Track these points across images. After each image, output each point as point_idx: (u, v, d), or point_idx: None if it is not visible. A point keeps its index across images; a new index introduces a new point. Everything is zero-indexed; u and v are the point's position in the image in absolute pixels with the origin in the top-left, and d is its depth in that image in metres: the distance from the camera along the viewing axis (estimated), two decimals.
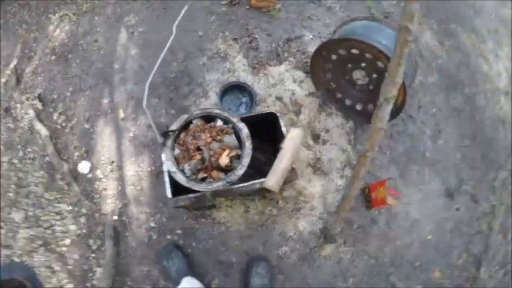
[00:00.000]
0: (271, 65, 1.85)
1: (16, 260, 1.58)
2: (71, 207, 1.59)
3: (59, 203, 1.61)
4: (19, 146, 1.75)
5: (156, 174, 1.60)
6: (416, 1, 0.81)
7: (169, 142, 1.21)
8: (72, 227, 1.56)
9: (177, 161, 1.20)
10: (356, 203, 1.62)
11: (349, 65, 1.61)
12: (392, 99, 0.98)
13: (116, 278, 1.46)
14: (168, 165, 1.17)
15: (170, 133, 1.22)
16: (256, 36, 1.90)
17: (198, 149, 1.22)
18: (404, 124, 1.83)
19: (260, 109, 1.72)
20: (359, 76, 1.68)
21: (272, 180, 1.20)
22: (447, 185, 1.76)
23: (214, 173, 1.21)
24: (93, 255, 1.51)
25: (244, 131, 1.24)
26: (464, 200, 1.76)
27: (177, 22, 1.32)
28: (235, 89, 1.75)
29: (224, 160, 1.20)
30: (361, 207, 1.62)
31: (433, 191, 1.73)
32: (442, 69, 2.08)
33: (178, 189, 1.21)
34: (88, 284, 1.48)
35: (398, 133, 1.80)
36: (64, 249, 1.54)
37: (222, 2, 2.00)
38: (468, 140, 1.92)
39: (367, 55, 1.46)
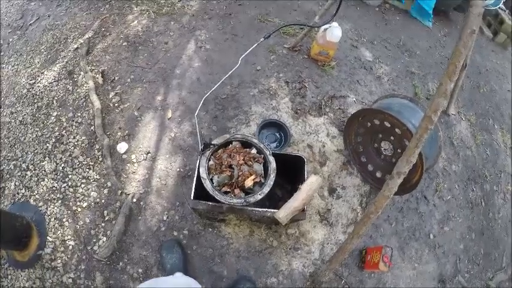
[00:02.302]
0: (311, 115, 2.09)
1: (32, 202, 1.79)
2: (98, 177, 1.81)
3: (89, 169, 1.85)
4: (71, 108, 2.03)
5: (183, 176, 1.81)
6: (443, 98, 1.04)
7: (207, 152, 1.46)
8: (94, 194, 1.78)
9: (209, 170, 1.44)
10: (351, 261, 1.76)
11: (380, 135, 1.83)
12: (404, 174, 1.19)
13: (115, 251, 1.63)
14: (201, 171, 1.41)
15: (211, 145, 1.47)
16: (306, 85, 2.16)
17: (230, 166, 1.45)
18: (417, 203, 1.99)
19: (291, 150, 1.92)
20: (386, 147, 1.88)
21: (282, 213, 1.39)
22: (442, 271, 1.88)
23: (237, 191, 1.43)
24: (103, 224, 1.70)
25: (273, 165, 1.48)
26: None
27: (244, 54, 1.60)
28: (273, 126, 1.98)
29: (249, 182, 1.42)
30: (354, 266, 1.76)
31: (427, 273, 1.85)
32: (468, 160, 2.24)
33: (201, 194, 1.43)
34: (89, 248, 1.65)
35: (408, 209, 1.96)
36: (79, 209, 1.74)
37: (285, 46, 2.29)
38: (475, 234, 2.05)
39: (397, 130, 1.68)
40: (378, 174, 1.90)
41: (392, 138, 1.78)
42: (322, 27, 2.12)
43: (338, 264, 1.57)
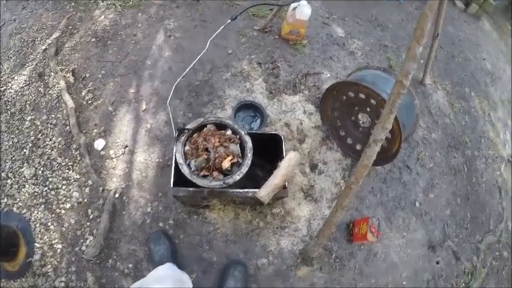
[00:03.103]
0: (286, 94, 2.10)
1: (15, 210, 1.76)
2: (78, 176, 1.80)
3: (68, 169, 1.82)
4: (44, 110, 2.00)
5: (163, 166, 1.81)
6: (413, 62, 1.05)
7: (182, 138, 1.46)
8: (76, 194, 1.76)
9: (185, 156, 1.44)
10: (339, 235, 1.79)
11: (356, 108, 1.85)
12: (381, 141, 1.21)
13: (103, 249, 1.63)
14: (177, 157, 1.41)
15: (185, 130, 1.47)
16: (279, 65, 2.17)
17: (206, 150, 1.45)
18: (400, 173, 2.02)
19: (268, 130, 1.93)
20: (363, 119, 1.91)
21: (263, 192, 1.40)
22: (431, 237, 1.92)
23: (215, 174, 1.43)
24: (88, 223, 1.69)
25: (249, 144, 1.48)
26: (446, 255, 1.92)
27: (211, 38, 1.60)
28: (249, 108, 1.99)
29: (226, 164, 1.42)
30: (343, 240, 1.78)
31: (416, 240, 1.89)
32: (448, 128, 2.29)
33: (180, 181, 1.43)
34: (77, 249, 1.64)
35: (392, 179, 1.99)
36: (63, 211, 1.72)
37: (255, 27, 2.29)
38: (460, 199, 2.10)
39: (372, 101, 1.70)
40: (358, 147, 1.92)
41: (368, 109, 1.80)
42: (291, 6, 2.11)
43: (326, 238, 1.58)
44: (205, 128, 1.52)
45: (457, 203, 2.09)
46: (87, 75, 2.08)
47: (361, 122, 1.91)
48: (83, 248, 1.65)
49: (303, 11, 2.09)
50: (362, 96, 1.74)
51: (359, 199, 1.90)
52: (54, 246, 1.66)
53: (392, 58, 2.45)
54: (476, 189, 2.20)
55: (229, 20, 1.67)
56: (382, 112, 1.70)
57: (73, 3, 2.41)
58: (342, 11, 2.76)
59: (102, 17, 2.31)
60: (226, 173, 1.45)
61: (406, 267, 1.82)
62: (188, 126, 1.49)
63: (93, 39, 2.21)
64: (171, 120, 1.44)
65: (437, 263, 1.89)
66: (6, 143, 1.96)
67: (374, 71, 1.89)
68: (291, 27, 2.20)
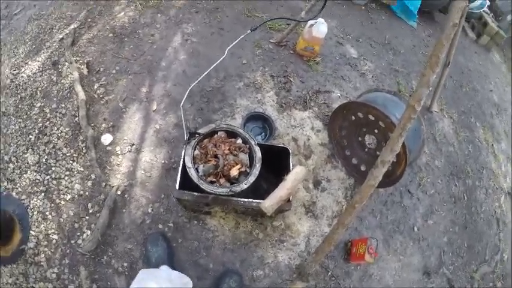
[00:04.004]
0: (296, 109, 2.13)
1: (14, 195, 1.75)
2: (82, 169, 1.79)
3: (73, 161, 1.82)
4: (55, 99, 2.00)
5: (168, 168, 1.81)
6: (425, 88, 1.07)
7: (193, 142, 1.47)
8: (77, 186, 1.75)
9: (194, 160, 1.45)
10: (337, 253, 1.79)
11: (364, 129, 1.87)
12: (388, 163, 1.22)
13: (100, 245, 1.62)
14: (186, 160, 1.42)
15: (196, 135, 1.48)
16: (292, 79, 2.20)
17: (215, 156, 1.46)
18: (401, 196, 2.04)
19: (275, 143, 1.93)
20: (370, 140, 1.92)
21: (268, 202, 1.40)
22: (427, 263, 1.92)
23: (222, 181, 1.44)
24: (87, 217, 1.68)
25: (258, 154, 1.49)
26: (440, 282, 1.92)
27: (230, 46, 1.61)
28: (259, 119, 2.00)
29: (234, 172, 1.43)
30: (340, 259, 1.78)
31: (411, 265, 1.89)
32: (451, 156, 2.31)
33: (185, 185, 1.43)
34: (72, 241, 1.63)
35: (392, 202, 2.00)
36: (63, 202, 1.71)
37: (271, 40, 2.33)
38: (458, 227, 2.11)
39: (381, 123, 1.72)
40: (363, 168, 1.94)
41: (376, 131, 1.82)
42: (309, 23, 2.15)
43: (324, 255, 1.59)
44: (216, 135, 1.53)
45: (455, 231, 2.10)
46: (101, 69, 2.09)
47: (367, 143, 1.93)
48: (79, 241, 1.64)
49: (320, 28, 2.14)
50: (371, 117, 1.76)
51: (359, 219, 1.91)
52: (50, 236, 1.65)
53: (402, 83, 2.49)
54: (475, 219, 2.21)
55: (249, 31, 1.69)
56: (390, 135, 1.73)
57: None
58: (357, 32, 2.81)
59: (122, 13, 2.33)
60: (232, 181, 1.46)
61: None
62: (200, 131, 1.50)
63: (111, 35, 2.23)
64: (183, 123, 1.45)
65: None
66: (13, 126, 1.96)
67: (385, 94, 1.92)
68: (306, 43, 2.23)
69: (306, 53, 2.30)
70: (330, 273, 1.74)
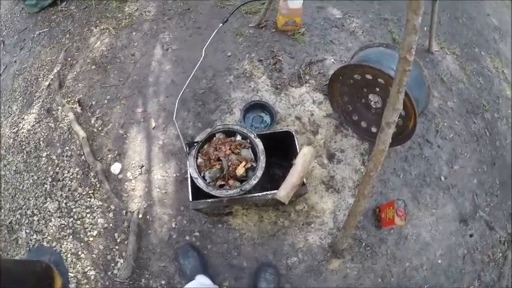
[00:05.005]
0: (292, 87, 2.08)
1: (46, 245, 1.84)
2: (100, 203, 1.85)
3: (90, 198, 1.88)
4: (58, 144, 2.06)
5: (181, 180, 1.83)
6: (413, 34, 1.01)
7: (193, 151, 1.47)
8: (101, 220, 1.82)
9: (199, 168, 1.45)
10: (367, 222, 1.77)
11: (365, 89, 1.81)
12: (393, 123, 1.17)
13: (135, 270, 1.68)
14: (191, 171, 1.43)
15: (195, 144, 1.48)
16: (281, 58, 2.15)
17: (218, 159, 1.45)
18: (421, 148, 1.97)
19: (280, 127, 1.92)
20: (374, 100, 1.86)
21: (282, 192, 1.40)
22: (461, 210, 1.87)
23: (231, 182, 1.43)
24: (117, 247, 1.75)
25: (260, 146, 1.48)
26: (479, 227, 1.87)
27: (206, 45, 1.59)
28: (257, 108, 1.98)
29: (240, 171, 1.42)
30: (371, 227, 1.77)
31: (446, 216, 1.85)
32: (463, 93, 2.21)
33: (199, 194, 1.45)
34: (109, 273, 1.70)
35: (413, 157, 1.95)
36: (91, 239, 1.78)
37: (250, 25, 2.27)
38: (486, 166, 2.03)
39: (380, 80, 1.66)
40: (373, 129, 1.89)
41: (377, 89, 1.76)
42: None
43: (353, 228, 1.57)
44: (214, 138, 1.52)
45: (484, 170, 2.02)
46: (93, 102, 2.12)
47: (372, 102, 1.87)
48: (115, 271, 1.70)
49: None
50: (369, 77, 1.70)
51: (382, 182, 1.87)
52: (87, 273, 1.72)
53: (394, 31, 2.38)
54: (502, 153, 2.12)
55: (221, 24, 1.66)
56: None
57: (68, 35, 2.46)
58: None
59: (98, 43, 2.35)
60: (242, 179, 1.46)
61: (439, 245, 1.79)
62: (197, 139, 1.50)
63: (94, 67, 2.25)
64: (180, 136, 1.46)
65: (471, 236, 1.85)
66: (27, 181, 2.03)
67: (377, 49, 1.84)
68: (285, 18, 2.16)
69: (288, 27, 2.24)
70: (364, 243, 1.73)
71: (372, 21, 2.43)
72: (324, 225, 1.76)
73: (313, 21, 2.35)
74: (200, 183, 1.40)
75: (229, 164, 1.43)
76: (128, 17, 2.42)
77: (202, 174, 1.44)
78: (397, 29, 2.39)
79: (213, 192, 1.38)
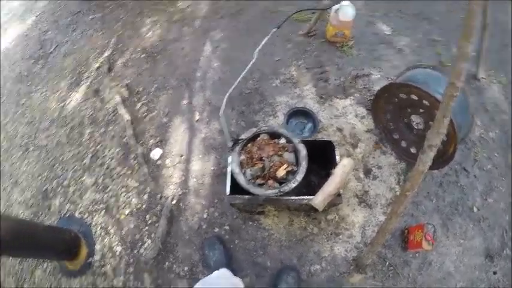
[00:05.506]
0: (337, 98, 2.12)
1: (77, 215, 1.95)
2: (137, 184, 1.94)
3: (128, 178, 1.98)
4: (102, 124, 2.17)
5: (218, 174, 1.89)
6: (464, 61, 1.03)
7: (237, 148, 1.53)
8: (134, 201, 1.90)
9: (241, 165, 1.51)
10: (393, 242, 1.77)
11: (409, 109, 1.83)
12: (436, 146, 1.20)
13: (161, 252, 1.74)
14: (233, 167, 1.49)
15: (239, 141, 1.54)
16: (327, 68, 2.19)
17: (261, 159, 1.52)
18: (457, 176, 1.96)
19: (321, 136, 1.96)
20: (417, 121, 1.87)
21: (318, 199, 1.44)
22: (489, 245, 1.83)
23: (270, 182, 1.49)
24: (146, 228, 1.82)
25: (303, 152, 1.53)
26: (504, 265, 1.81)
27: (259, 48, 1.65)
28: (301, 114, 2.02)
29: (281, 172, 1.48)
30: (397, 247, 1.76)
31: (473, 248, 1.81)
32: (505, 125, 2.16)
33: (236, 189, 1.51)
34: (135, 251, 1.78)
35: (448, 183, 1.93)
36: (122, 217, 1.87)
37: (300, 32, 2.33)
38: None
39: (425, 102, 1.67)
40: (413, 150, 1.90)
41: (421, 111, 1.77)
42: (333, 8, 2.13)
43: (380, 246, 1.58)
44: (258, 138, 1.59)
45: None
46: (141, 89, 2.22)
47: (414, 124, 1.88)
48: (141, 250, 1.78)
49: (346, 12, 2.10)
50: (414, 97, 1.72)
51: (414, 204, 1.87)
52: (114, 248, 1.81)
53: (442, 53, 2.38)
54: None
55: (274, 29, 1.71)
56: (436, 114, 1.69)
57: (120, 23, 2.58)
58: (385, 6, 2.72)
59: (150, 33, 2.46)
60: (281, 181, 1.51)
61: (461, 277, 1.75)
62: (242, 137, 1.57)
63: (144, 55, 2.35)
64: (225, 132, 1.51)
65: (495, 273, 1.79)
66: (68, 154, 2.15)
67: (424, 70, 1.85)
68: (335, 29, 2.21)
69: (337, 39, 2.28)
70: (387, 263, 1.73)
71: (420, 41, 2.44)
72: (352, 238, 1.77)
73: (362, 35, 2.38)
74: (241, 179, 1.46)
75: (271, 165, 1.49)
76: (180, 11, 2.52)
77: (243, 171, 1.50)
78: (445, 51, 2.39)
79: (252, 190, 1.44)
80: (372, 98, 1.97)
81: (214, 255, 1.67)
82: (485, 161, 2.04)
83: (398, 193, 1.87)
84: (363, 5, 2.70)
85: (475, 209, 1.91)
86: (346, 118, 2.07)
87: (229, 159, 1.53)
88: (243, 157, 1.54)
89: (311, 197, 1.47)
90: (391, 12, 2.69)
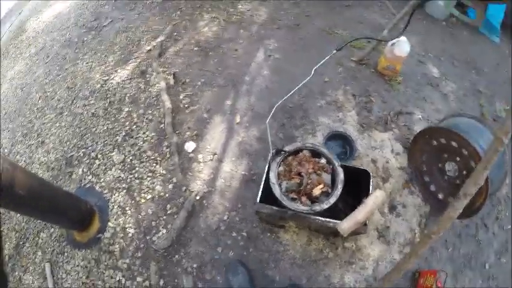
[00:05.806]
0: (377, 129, 2.14)
1: (97, 189, 1.97)
2: (164, 172, 1.97)
3: (156, 164, 2.00)
4: (142, 105, 2.21)
5: (247, 180, 1.92)
6: None
7: (278, 159, 1.57)
8: (158, 188, 1.93)
9: (278, 176, 1.55)
10: (402, 282, 1.77)
11: (445, 155, 1.84)
12: (470, 196, 1.22)
13: (174, 244, 1.75)
14: (271, 176, 1.52)
15: (282, 152, 1.58)
16: (373, 99, 2.22)
17: (299, 174, 1.55)
18: (476, 230, 1.97)
19: (354, 164, 1.98)
20: (451, 168, 1.88)
21: (346, 224, 1.46)
22: None
23: (304, 199, 1.52)
24: (164, 217, 1.84)
25: (341, 176, 1.55)
26: None
27: (317, 66, 1.70)
28: (339, 138, 2.05)
29: (317, 191, 1.51)
30: None
31: None
32: None
33: (265, 198, 1.53)
34: (148, 237, 1.79)
35: (467, 235, 1.94)
36: (143, 201, 1.89)
37: (352, 58, 2.37)
38: None
39: (464, 151, 1.69)
40: (440, 196, 1.91)
41: (458, 158, 1.79)
42: (390, 42, 2.17)
43: (391, 283, 1.59)
44: (300, 153, 1.62)
45: None
46: (187, 80, 2.27)
47: (447, 170, 1.90)
48: (154, 238, 1.79)
49: (402, 47, 2.14)
50: (454, 144, 1.74)
51: (430, 250, 1.87)
52: (127, 230, 1.82)
53: (485, 105, 2.40)
54: None
55: (334, 51, 1.77)
56: (472, 164, 1.70)
57: (179, 12, 2.64)
58: (438, 49, 2.76)
59: (206, 28, 2.51)
60: (313, 200, 1.53)
61: None
62: (286, 148, 1.60)
63: (196, 48, 2.40)
64: (269, 140, 1.55)
65: None
66: (101, 127, 2.19)
67: (468, 120, 1.88)
68: (387, 62, 2.25)
69: (387, 71, 2.32)
70: None
71: (466, 89, 2.47)
72: (364, 270, 1.78)
73: (411, 73, 2.42)
74: (276, 190, 1.49)
75: (308, 182, 1.52)
76: (239, 14, 2.58)
77: (279, 182, 1.53)
78: (487, 104, 2.41)
79: (286, 203, 1.47)
80: (410, 136, 1.99)
81: (238, 280, 1.65)
82: (506, 221, 2.05)
83: (417, 235, 1.89)
84: (417, 43, 2.74)
85: (487, 266, 1.91)
86: (382, 151, 2.10)
87: (268, 167, 1.56)
88: (281, 168, 1.57)
89: (338, 221, 1.49)
90: (443, 56, 2.73)
